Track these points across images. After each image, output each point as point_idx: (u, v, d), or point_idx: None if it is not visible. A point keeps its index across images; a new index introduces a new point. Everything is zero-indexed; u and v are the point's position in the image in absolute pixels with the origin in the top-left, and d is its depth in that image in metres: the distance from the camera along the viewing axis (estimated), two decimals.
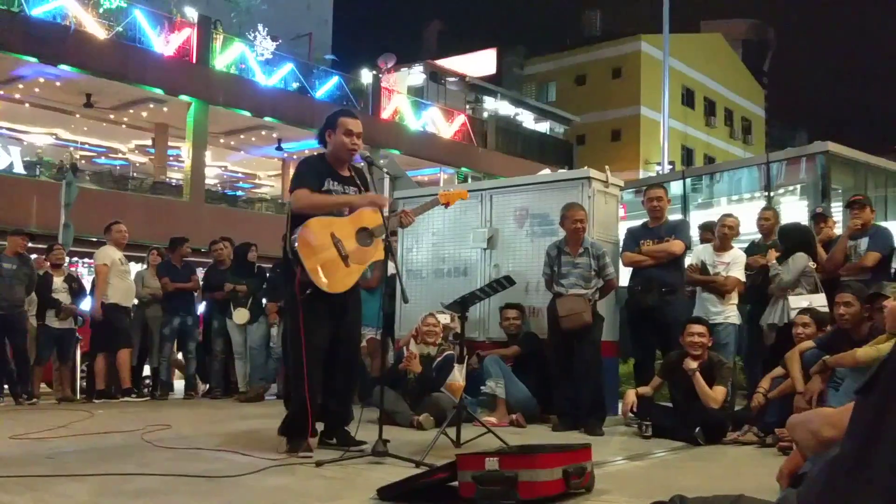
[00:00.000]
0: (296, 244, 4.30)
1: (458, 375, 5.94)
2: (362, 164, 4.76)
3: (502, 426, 5.66)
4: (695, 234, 7.39)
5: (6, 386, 7.95)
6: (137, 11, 18.70)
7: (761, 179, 10.70)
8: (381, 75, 25.05)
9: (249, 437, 5.04)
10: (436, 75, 28.95)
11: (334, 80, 23.20)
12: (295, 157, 24.61)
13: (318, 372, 4.46)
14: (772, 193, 10.42)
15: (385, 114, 24.27)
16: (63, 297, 8.22)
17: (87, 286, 8.90)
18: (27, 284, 7.96)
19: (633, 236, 6.46)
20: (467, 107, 29.20)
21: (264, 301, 8.25)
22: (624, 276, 6.69)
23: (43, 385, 8.75)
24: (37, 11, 16.78)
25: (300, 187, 4.45)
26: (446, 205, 5.09)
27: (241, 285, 8.18)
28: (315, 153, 4.77)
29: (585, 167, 7.06)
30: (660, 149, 20.01)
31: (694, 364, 5.45)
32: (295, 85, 22.17)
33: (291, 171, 24.66)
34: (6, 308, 7.77)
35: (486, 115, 29.81)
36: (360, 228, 4.46)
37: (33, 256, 8.68)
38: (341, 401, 4.64)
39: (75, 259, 13.44)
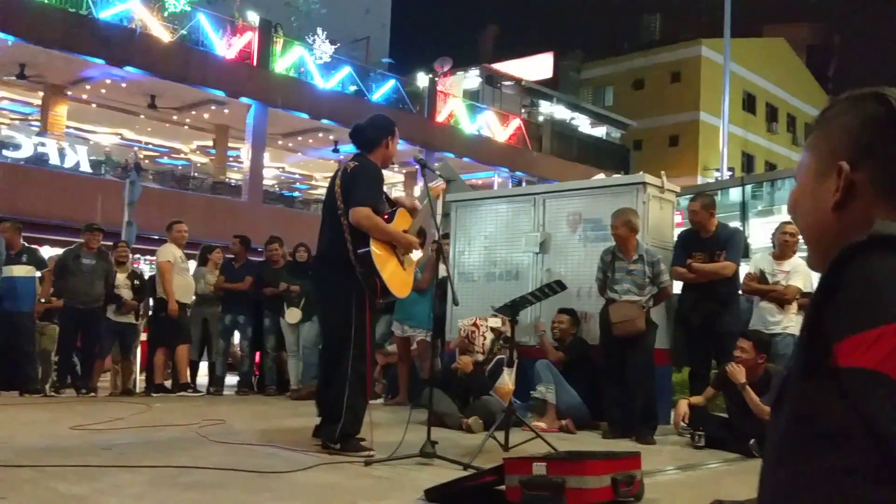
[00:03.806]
0: (371, 257, 4.33)
1: (507, 379, 5.92)
2: (416, 166, 4.83)
3: (552, 431, 5.61)
4: (761, 241, 7.19)
5: (69, 378, 8.20)
6: (201, 15, 19.13)
7: None
8: (437, 79, 25.12)
9: (300, 434, 5.08)
10: (492, 79, 28.90)
11: (391, 84, 23.36)
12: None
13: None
14: None
15: (440, 117, 24.34)
16: (125, 292, 8.43)
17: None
18: (105, 279, 8.19)
19: (684, 246, 6.29)
20: (523, 110, 29.08)
21: None
22: (679, 283, 6.57)
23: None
24: (104, 14, 17.24)
25: (366, 204, 4.36)
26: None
27: (294, 285, 8.30)
28: (370, 159, 4.63)
29: (641, 172, 6.99)
30: (719, 155, 19.62)
31: (742, 377, 5.30)
32: (352, 88, 22.37)
33: None
34: (86, 303, 8.02)
35: (541, 118, 29.65)
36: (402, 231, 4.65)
37: None
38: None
39: (137, 256, 13.79)
